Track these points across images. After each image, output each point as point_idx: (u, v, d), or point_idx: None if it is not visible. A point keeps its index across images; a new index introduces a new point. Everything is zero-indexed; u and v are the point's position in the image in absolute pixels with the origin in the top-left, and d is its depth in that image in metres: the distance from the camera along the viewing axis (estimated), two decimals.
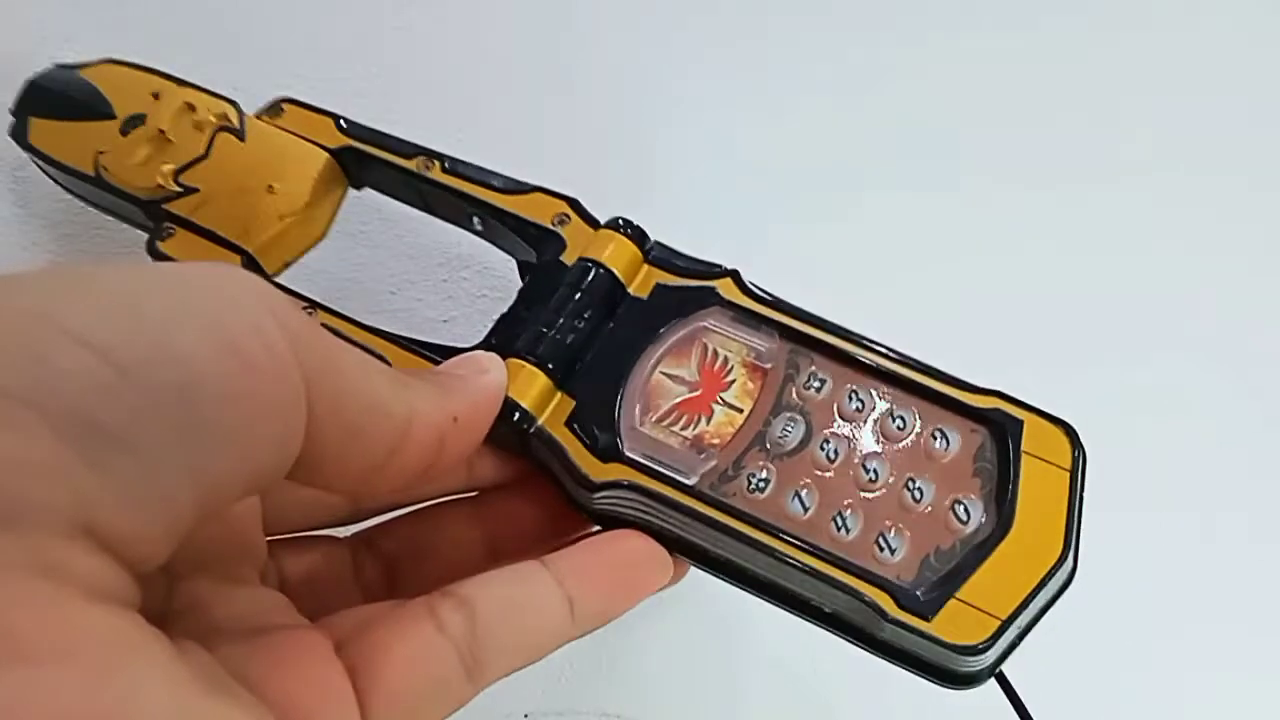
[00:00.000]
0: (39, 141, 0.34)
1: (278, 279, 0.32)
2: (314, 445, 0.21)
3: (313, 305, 0.30)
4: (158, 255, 0.32)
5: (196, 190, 0.32)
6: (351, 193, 0.34)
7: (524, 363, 0.27)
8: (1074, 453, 0.26)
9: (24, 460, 0.16)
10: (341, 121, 0.34)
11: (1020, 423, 0.26)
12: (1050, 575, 0.24)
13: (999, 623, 0.24)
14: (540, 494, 0.28)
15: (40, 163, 0.34)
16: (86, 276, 0.19)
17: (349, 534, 0.28)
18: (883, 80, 0.46)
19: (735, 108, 0.45)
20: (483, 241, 0.31)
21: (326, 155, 0.33)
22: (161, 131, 0.33)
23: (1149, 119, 0.47)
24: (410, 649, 0.22)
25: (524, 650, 0.24)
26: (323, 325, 0.29)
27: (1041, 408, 0.26)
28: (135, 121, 0.33)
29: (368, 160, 0.33)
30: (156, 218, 0.32)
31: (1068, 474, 0.25)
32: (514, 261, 0.32)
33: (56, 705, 0.15)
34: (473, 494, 0.29)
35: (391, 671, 0.22)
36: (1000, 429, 0.26)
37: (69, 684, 0.16)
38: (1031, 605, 0.24)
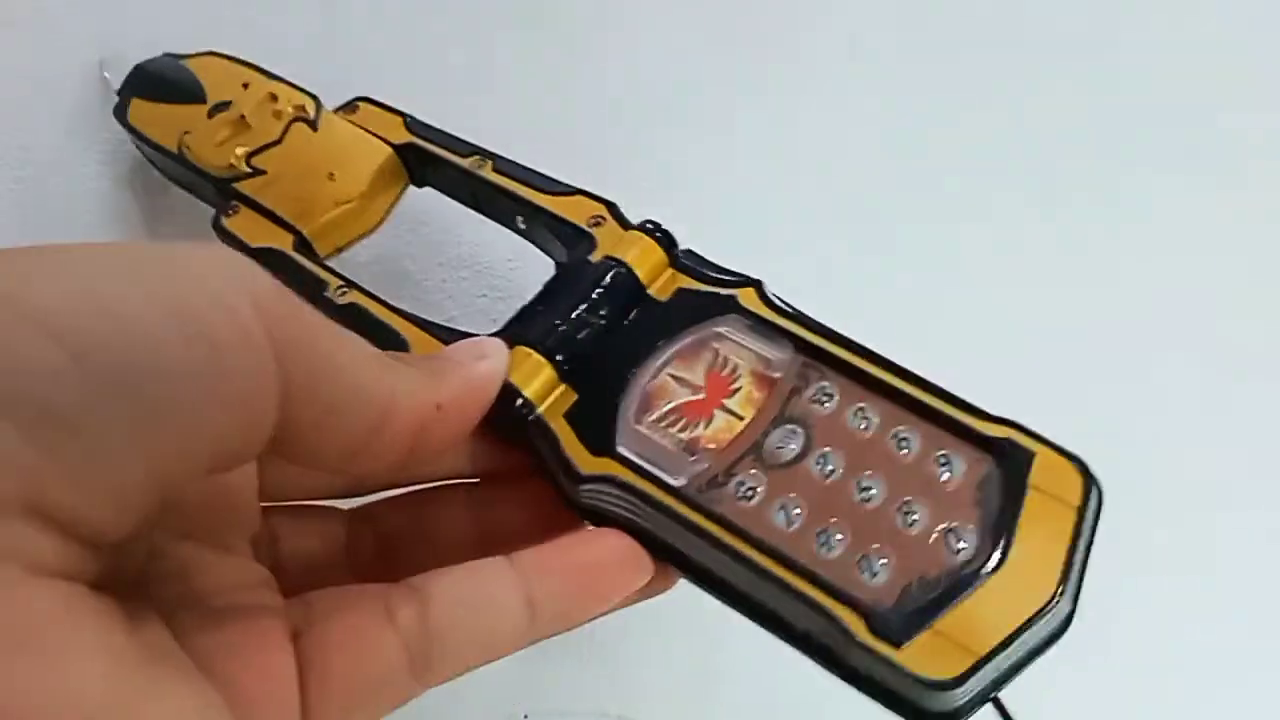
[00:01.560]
0: (136, 120, 0.36)
1: (329, 262, 0.33)
2: (289, 424, 0.21)
3: (348, 284, 0.31)
4: (221, 230, 0.33)
5: (264, 172, 0.34)
6: None
7: (532, 351, 0.27)
8: (1085, 490, 0.24)
9: None
10: (409, 120, 0.35)
11: (1031, 454, 0.24)
12: (1038, 616, 0.22)
13: (974, 659, 0.22)
14: (538, 489, 0.28)
15: (134, 139, 0.36)
16: (52, 258, 0.19)
17: (351, 506, 0.29)
18: (929, 108, 0.45)
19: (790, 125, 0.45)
20: (482, 241, 0.31)
21: (390, 150, 0.34)
22: (242, 117, 0.35)
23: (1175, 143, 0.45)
24: (356, 642, 0.22)
25: (476, 650, 0.23)
26: (349, 307, 0.30)
27: (1056, 441, 0.24)
28: (221, 107, 0.35)
29: (427, 157, 0.34)
30: (226, 195, 0.34)
31: (1074, 511, 0.23)
32: (514, 262, 0.32)
33: None
34: (474, 480, 0.29)
35: (335, 663, 0.22)
36: (1008, 459, 0.24)
37: None
38: (1014, 646, 0.22)
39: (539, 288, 0.30)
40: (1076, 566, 0.23)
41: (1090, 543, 0.23)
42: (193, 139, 0.35)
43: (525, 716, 0.34)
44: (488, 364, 0.26)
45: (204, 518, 0.24)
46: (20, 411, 0.17)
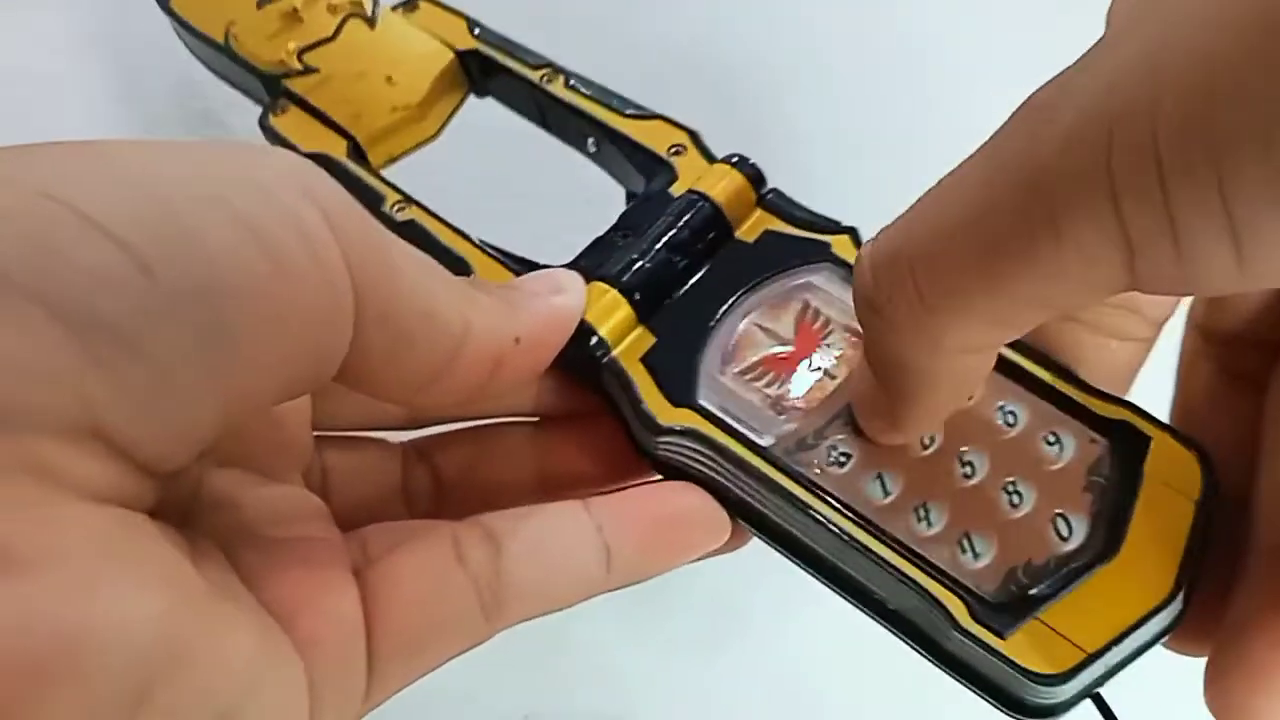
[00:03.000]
0: (179, 7, 0.34)
1: (383, 171, 0.31)
2: (359, 351, 0.19)
3: (406, 200, 0.29)
4: (269, 130, 0.31)
5: (317, 70, 0.31)
6: None
7: (609, 288, 0.25)
8: (1205, 482, 0.22)
9: (24, 359, 0.15)
10: (475, 25, 0.32)
11: (1148, 440, 0.23)
12: (1153, 614, 0.21)
13: (1084, 656, 0.21)
14: (605, 433, 0.26)
15: (178, 27, 0.34)
16: (108, 153, 0.17)
17: (404, 439, 0.27)
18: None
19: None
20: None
21: (452, 55, 0.32)
22: (295, 9, 0.32)
23: None
24: (426, 581, 0.21)
25: (549, 596, 0.22)
26: (408, 223, 0.28)
27: (1176, 428, 0.23)
28: None
29: (492, 67, 0.32)
30: (274, 93, 0.32)
31: (1194, 504, 0.22)
32: (588, 195, 0.30)
33: (33, 610, 0.14)
34: (535, 420, 0.27)
35: (404, 602, 0.21)
36: (1124, 443, 0.23)
37: (50, 589, 0.14)
38: (1125, 643, 0.21)
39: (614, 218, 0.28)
40: (1192, 561, 0.22)
41: (1207, 535, 0.22)
42: (241, 30, 0.32)
43: (525, 717, 0.34)
44: (565, 298, 0.24)
45: (255, 445, 0.23)
46: (82, 326, 0.15)
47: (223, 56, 0.32)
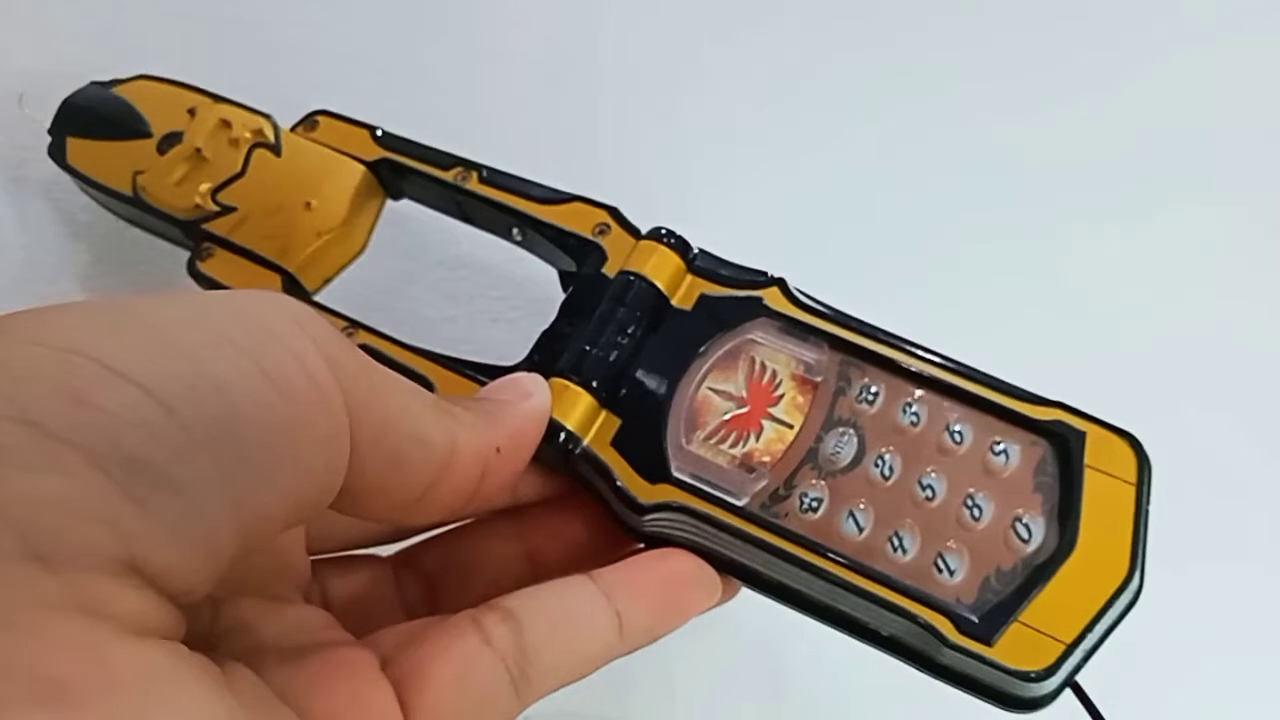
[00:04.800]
0: (77, 161, 0.34)
1: (317, 297, 0.32)
2: (354, 476, 0.20)
3: (353, 325, 0.30)
4: (198, 275, 0.31)
5: (234, 209, 0.32)
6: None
7: (568, 382, 0.27)
8: (1139, 465, 0.25)
9: (66, 500, 0.16)
10: (378, 132, 0.33)
11: (1082, 435, 0.25)
12: (1117, 595, 0.23)
13: (1064, 647, 0.23)
14: (583, 509, 0.28)
15: (79, 183, 0.34)
16: (120, 309, 0.18)
17: (390, 552, 0.28)
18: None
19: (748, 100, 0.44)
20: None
21: (363, 169, 0.32)
22: (198, 150, 0.33)
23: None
24: (457, 663, 0.22)
25: (573, 665, 0.24)
26: (362, 348, 0.29)
27: (1104, 419, 0.25)
28: (172, 140, 0.33)
29: (405, 172, 0.32)
30: (196, 237, 0.32)
31: (1133, 488, 0.24)
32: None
33: None
34: (514, 508, 0.28)
35: (438, 686, 0.22)
36: (1062, 441, 0.25)
37: None
38: (1097, 627, 0.23)
39: (553, 306, 0.29)
40: (1141, 541, 0.24)
41: (1148, 514, 0.24)
42: (148, 179, 0.32)
43: (525, 716, 0.34)
44: (534, 401, 0.26)
45: (258, 572, 0.24)
46: (115, 466, 0.16)
47: (133, 208, 0.33)
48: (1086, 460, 0.25)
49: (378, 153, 0.33)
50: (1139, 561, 0.24)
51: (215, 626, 0.22)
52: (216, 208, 0.32)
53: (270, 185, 0.32)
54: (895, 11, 0.46)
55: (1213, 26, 0.47)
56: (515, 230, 0.31)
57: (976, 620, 0.23)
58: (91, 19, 0.41)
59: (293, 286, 0.31)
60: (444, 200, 0.33)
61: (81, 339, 0.17)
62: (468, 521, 0.29)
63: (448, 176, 0.32)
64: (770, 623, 0.34)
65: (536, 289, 0.38)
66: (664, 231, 0.29)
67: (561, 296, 0.29)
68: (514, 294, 0.37)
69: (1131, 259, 0.42)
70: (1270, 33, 0.47)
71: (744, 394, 0.27)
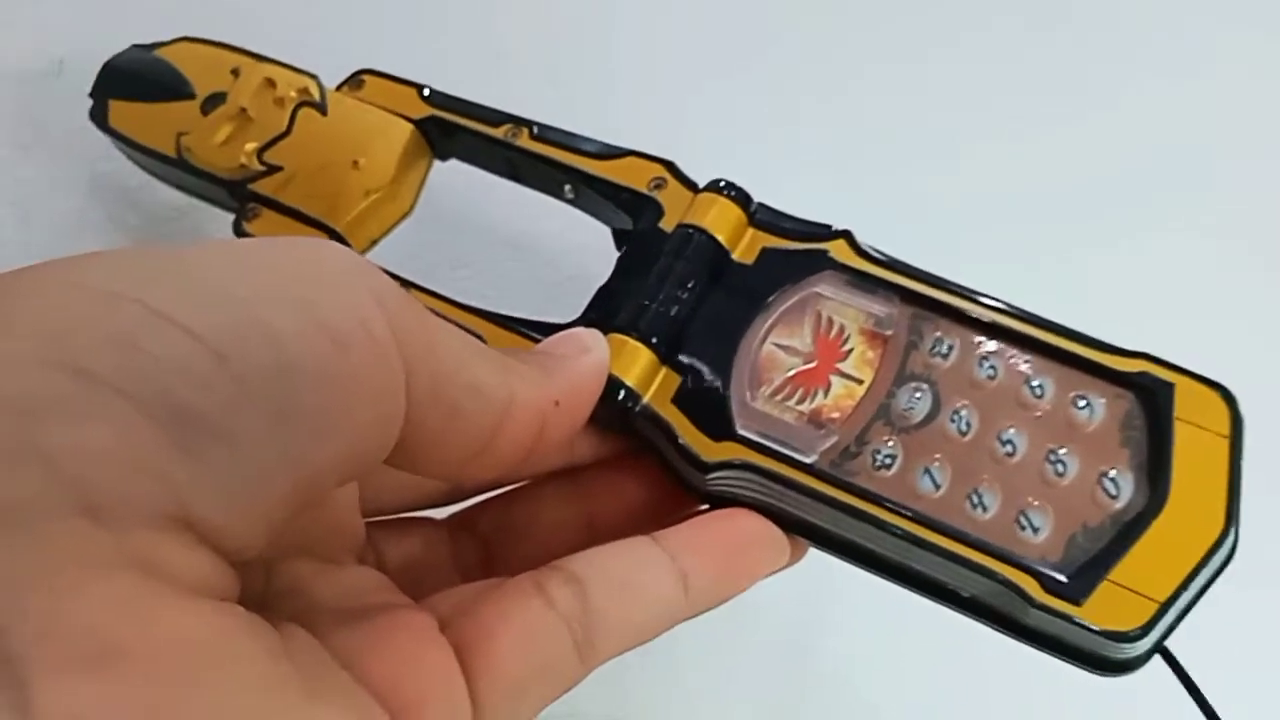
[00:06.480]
0: (119, 124, 0.33)
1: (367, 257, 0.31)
2: (411, 429, 0.20)
3: (404, 284, 0.29)
4: (244, 237, 0.31)
5: (280, 168, 0.31)
6: None
7: (627, 338, 0.26)
8: (1232, 417, 0.23)
9: (117, 452, 0.15)
10: (425, 91, 0.32)
11: (1171, 386, 0.24)
12: (1212, 552, 0.22)
13: (1156, 606, 0.22)
14: (642, 470, 0.27)
15: (122, 146, 0.33)
16: (174, 256, 0.18)
17: (446, 515, 0.27)
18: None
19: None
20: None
21: (410, 127, 0.32)
22: (243, 109, 0.32)
23: None
24: (520, 627, 0.21)
25: (637, 628, 0.23)
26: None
27: (1193, 370, 0.24)
28: (216, 100, 0.32)
29: (453, 130, 0.32)
30: (241, 198, 0.31)
31: (1226, 441, 0.23)
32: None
33: (146, 708, 0.14)
34: (571, 470, 0.27)
35: (502, 650, 0.21)
36: (1149, 394, 0.24)
37: (162, 686, 0.15)
38: (1191, 585, 0.22)
39: (610, 265, 0.28)
40: (1236, 495, 0.23)
41: (1240, 468, 0.23)
42: (192, 139, 0.32)
43: None
44: (593, 355, 0.25)
45: (311, 532, 0.23)
46: (166, 416, 0.15)
47: (177, 170, 0.32)
48: (1176, 413, 0.24)
49: (425, 111, 0.32)
50: (1234, 517, 0.22)
51: (269, 588, 0.22)
52: (262, 167, 0.31)
53: (317, 144, 0.31)
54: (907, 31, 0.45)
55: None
56: (567, 187, 0.31)
57: (1064, 579, 0.22)
58: None
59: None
60: (493, 159, 0.32)
61: (133, 284, 0.16)
62: (524, 484, 0.28)
63: (498, 133, 0.31)
64: (774, 627, 0.34)
65: (540, 290, 0.37)
66: (723, 183, 0.28)
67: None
68: (515, 294, 0.36)
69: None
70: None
71: (811, 349, 0.26)
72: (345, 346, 0.18)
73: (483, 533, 0.27)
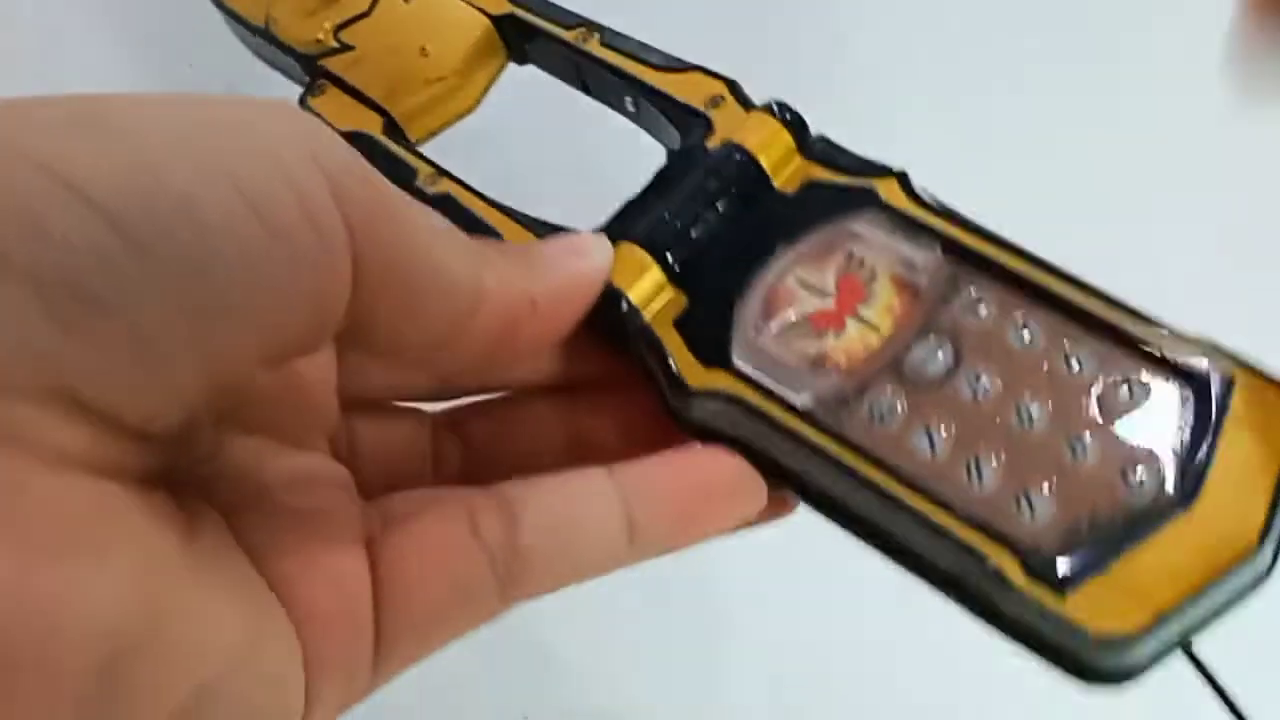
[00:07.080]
0: None
1: (422, 147, 0.31)
2: (364, 311, 0.18)
3: (439, 173, 0.28)
4: (308, 111, 0.31)
5: (353, 48, 0.31)
6: None
7: (637, 248, 0.24)
8: None
9: None
10: None
11: (1231, 380, 0.20)
12: (1234, 569, 0.19)
13: (1154, 616, 0.19)
14: (637, 398, 0.25)
15: (225, 17, 0.34)
16: (87, 113, 0.16)
17: (436, 410, 0.26)
18: None
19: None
20: (594, 131, 0.28)
21: (487, 21, 0.31)
22: None
23: None
24: (438, 552, 0.20)
25: (567, 570, 0.21)
26: (439, 196, 0.27)
27: (1261, 366, 0.21)
28: None
29: (529, 30, 0.31)
30: (313, 73, 0.31)
31: None
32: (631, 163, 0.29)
33: (7, 578, 0.14)
34: (569, 387, 0.26)
35: (414, 574, 0.20)
36: (1204, 385, 0.21)
37: (24, 554, 0.14)
38: (1204, 601, 0.19)
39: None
40: (1278, 513, 0.19)
41: None
42: (280, 11, 0.32)
43: (525, 717, 0.33)
44: (586, 261, 0.23)
45: (276, 412, 0.23)
46: (48, 288, 0.15)
47: (264, 41, 0.32)
48: (1231, 409, 0.20)
49: (505, 8, 0.31)
50: (1272, 533, 0.19)
51: (216, 464, 0.21)
52: (336, 45, 0.31)
53: (391, 27, 0.31)
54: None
55: None
56: (629, 100, 0.29)
57: (1051, 565, 0.19)
58: None
59: (394, 132, 0.30)
60: (565, 66, 0.31)
61: (48, 146, 0.16)
62: (517, 392, 0.26)
63: (570, 37, 0.30)
64: (772, 627, 0.33)
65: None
66: (779, 106, 0.26)
67: None
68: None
69: None
70: None
71: (832, 288, 0.24)
72: (280, 231, 0.17)
73: (467, 434, 0.26)
